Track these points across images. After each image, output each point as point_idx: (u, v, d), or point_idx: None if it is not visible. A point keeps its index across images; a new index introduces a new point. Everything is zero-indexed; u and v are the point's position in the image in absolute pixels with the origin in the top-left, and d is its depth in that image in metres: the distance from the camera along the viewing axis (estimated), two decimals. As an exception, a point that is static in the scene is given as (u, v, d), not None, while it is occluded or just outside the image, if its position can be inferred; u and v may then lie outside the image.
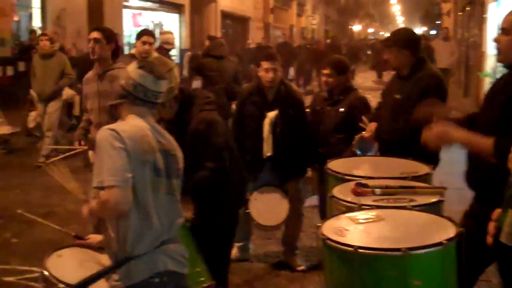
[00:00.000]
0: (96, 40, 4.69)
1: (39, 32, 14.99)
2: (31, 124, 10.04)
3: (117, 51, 4.87)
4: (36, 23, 15.72)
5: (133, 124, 2.57)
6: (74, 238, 3.15)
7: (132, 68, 2.65)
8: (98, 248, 2.97)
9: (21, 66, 13.88)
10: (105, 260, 2.70)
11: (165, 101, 3.32)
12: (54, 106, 8.75)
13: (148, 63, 2.75)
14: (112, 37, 4.79)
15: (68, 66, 8.85)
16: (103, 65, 4.74)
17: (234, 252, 5.00)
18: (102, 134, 2.48)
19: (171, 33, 8.33)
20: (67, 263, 2.96)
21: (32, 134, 10.30)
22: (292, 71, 21.40)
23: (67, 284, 2.66)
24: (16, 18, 15.09)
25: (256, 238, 5.39)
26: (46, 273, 2.80)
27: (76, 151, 4.94)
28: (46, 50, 8.53)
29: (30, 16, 15.91)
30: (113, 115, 2.69)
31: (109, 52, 4.74)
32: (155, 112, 2.71)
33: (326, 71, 4.98)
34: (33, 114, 9.91)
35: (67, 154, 5.15)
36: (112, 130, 2.48)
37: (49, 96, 8.63)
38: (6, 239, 5.56)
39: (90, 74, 4.89)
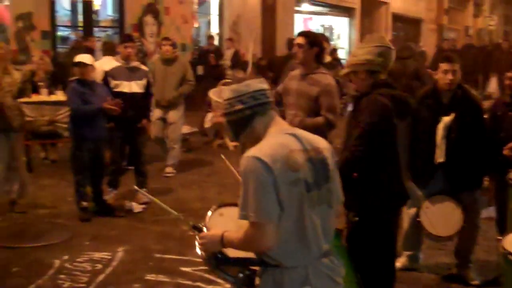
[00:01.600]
0: (299, 45, 4.91)
1: (216, 37, 15.89)
2: (206, 125, 10.61)
3: (321, 54, 5.03)
4: (214, 29, 16.63)
5: (275, 142, 2.43)
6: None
7: (236, 89, 2.53)
8: None
9: (200, 70, 14.78)
10: None
11: (357, 70, 3.45)
12: (175, 116, 8.29)
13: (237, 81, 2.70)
14: (315, 42, 4.96)
15: (189, 72, 8.54)
16: (307, 68, 4.96)
17: (403, 260, 4.89)
18: (247, 164, 2.36)
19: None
20: (227, 224, 2.99)
21: (207, 134, 10.90)
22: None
23: (219, 252, 2.71)
24: (196, 25, 16.10)
25: (427, 248, 5.20)
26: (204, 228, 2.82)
27: None
28: (168, 55, 8.15)
29: (208, 23, 16.89)
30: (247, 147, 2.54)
31: (312, 56, 4.91)
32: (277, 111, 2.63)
33: (511, 74, 4.68)
34: (209, 115, 10.47)
35: None
36: (257, 159, 2.34)
37: (169, 102, 8.16)
38: (183, 232, 5.93)
39: (296, 72, 5.14)
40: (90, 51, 11.00)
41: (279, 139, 2.45)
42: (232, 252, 2.60)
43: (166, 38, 8.48)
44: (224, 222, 2.98)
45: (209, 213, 2.99)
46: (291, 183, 2.36)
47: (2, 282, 4.66)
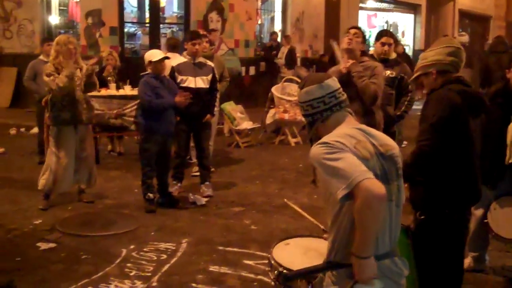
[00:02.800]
0: (356, 35, 5.25)
1: (279, 34, 15.94)
2: (268, 121, 10.68)
3: (363, 53, 5.35)
4: (277, 25, 16.67)
5: (342, 132, 2.42)
6: (323, 231, 3.10)
7: (299, 95, 2.58)
8: None
9: (262, 66, 14.87)
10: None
11: (427, 71, 3.44)
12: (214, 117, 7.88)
13: (305, 80, 2.61)
14: (365, 40, 5.41)
15: (226, 69, 8.42)
16: (352, 56, 5.22)
17: (468, 261, 4.79)
18: (315, 151, 2.34)
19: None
20: (292, 250, 3.07)
21: (267, 130, 10.96)
22: None
23: (284, 268, 2.78)
24: (260, 22, 16.19)
25: (493, 249, 5.08)
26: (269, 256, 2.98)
27: None
28: (206, 52, 7.84)
29: (272, 19, 16.94)
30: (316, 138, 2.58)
31: (359, 51, 5.26)
32: (349, 111, 2.58)
33: None
34: (272, 112, 10.54)
35: None
36: (324, 142, 2.34)
37: None
38: (246, 225, 6.01)
39: (336, 68, 5.34)
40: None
41: (347, 131, 2.43)
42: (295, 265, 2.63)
43: (204, 35, 8.41)
44: (290, 250, 3.04)
45: (275, 244, 3.08)
46: None
47: (72, 269, 4.84)
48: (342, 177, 2.23)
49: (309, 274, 2.59)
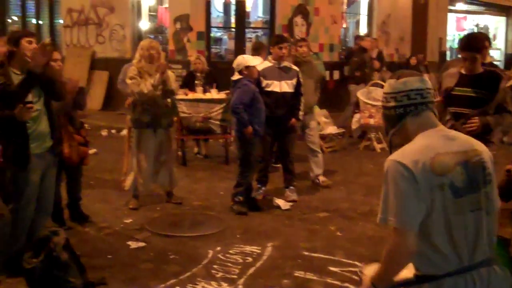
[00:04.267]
0: (473, 59, 4.95)
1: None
2: (354, 126, 10.55)
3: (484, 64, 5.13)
4: (363, 29, 16.45)
5: (422, 145, 2.36)
6: None
7: (393, 85, 2.48)
8: None
9: (346, 71, 14.69)
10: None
11: None
12: (314, 120, 7.98)
13: (399, 73, 2.54)
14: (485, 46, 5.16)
15: (324, 75, 8.31)
16: (475, 67, 5.01)
17: None
18: (389, 167, 2.33)
19: None
20: None
21: (353, 135, 10.83)
22: None
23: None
24: (345, 25, 16.03)
25: None
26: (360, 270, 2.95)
27: None
28: (305, 57, 7.82)
29: (357, 23, 16.73)
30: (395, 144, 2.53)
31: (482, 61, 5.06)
32: (436, 112, 2.49)
33: None
34: (357, 116, 10.40)
35: None
36: (399, 163, 2.29)
37: (310, 107, 7.70)
38: (331, 231, 5.94)
39: (454, 70, 5.20)
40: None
41: (428, 141, 2.37)
42: None
43: (303, 39, 8.34)
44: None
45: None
46: (436, 188, 2.27)
47: (161, 268, 4.96)
48: (387, 208, 2.31)
49: (398, 287, 2.53)
